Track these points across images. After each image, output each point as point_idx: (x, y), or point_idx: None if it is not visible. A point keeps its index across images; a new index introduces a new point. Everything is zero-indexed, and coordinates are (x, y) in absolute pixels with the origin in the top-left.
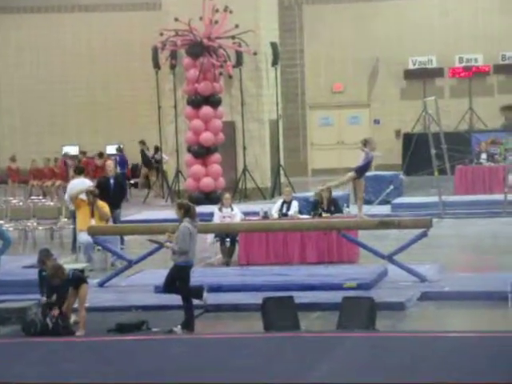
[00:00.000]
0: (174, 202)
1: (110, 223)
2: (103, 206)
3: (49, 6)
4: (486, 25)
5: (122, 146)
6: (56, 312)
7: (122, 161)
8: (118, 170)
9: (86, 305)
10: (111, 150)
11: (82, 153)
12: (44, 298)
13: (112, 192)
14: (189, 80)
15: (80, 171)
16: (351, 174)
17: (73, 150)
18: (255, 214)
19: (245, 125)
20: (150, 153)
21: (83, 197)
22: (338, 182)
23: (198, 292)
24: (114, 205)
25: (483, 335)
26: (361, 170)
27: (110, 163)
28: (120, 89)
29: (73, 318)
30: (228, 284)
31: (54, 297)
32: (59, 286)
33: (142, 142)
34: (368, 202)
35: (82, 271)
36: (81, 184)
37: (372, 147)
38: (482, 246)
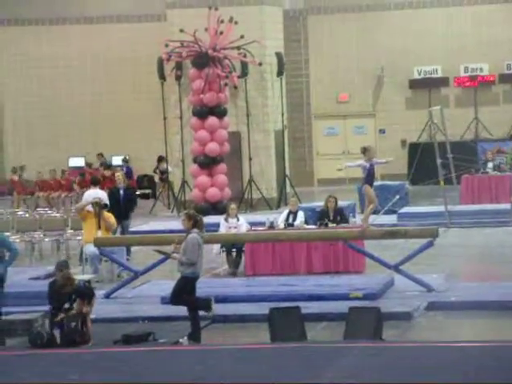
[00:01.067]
0: (181, 212)
1: (118, 234)
2: (109, 216)
3: (53, 19)
4: (491, 34)
5: (127, 157)
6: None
7: (128, 172)
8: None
9: (93, 316)
10: (117, 161)
11: (88, 165)
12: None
13: (122, 203)
14: (194, 91)
15: (95, 182)
16: (369, 190)
17: (79, 162)
18: (261, 224)
19: (250, 135)
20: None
21: (90, 208)
22: (369, 210)
23: (205, 303)
24: (124, 216)
25: (490, 345)
26: (369, 182)
27: (119, 174)
28: (125, 100)
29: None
30: (234, 295)
31: (67, 304)
32: (68, 294)
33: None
34: (374, 212)
35: (88, 282)
36: (95, 195)
37: (370, 155)
38: (488, 256)
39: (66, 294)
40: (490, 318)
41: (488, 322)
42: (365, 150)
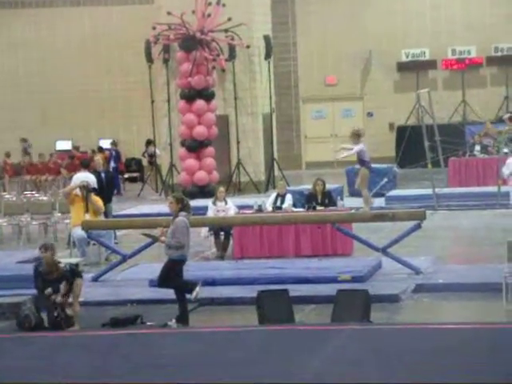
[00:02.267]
0: (168, 195)
1: (102, 217)
2: (97, 200)
3: (40, 1)
4: (479, 16)
5: (116, 140)
6: (58, 299)
7: (116, 155)
8: (113, 164)
9: (81, 299)
10: (105, 144)
11: (75, 148)
12: (39, 291)
13: (104, 186)
14: (182, 74)
15: (85, 165)
16: (366, 172)
17: (66, 145)
18: (249, 207)
19: (238, 118)
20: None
21: (77, 192)
22: (363, 188)
23: (192, 287)
24: (106, 199)
25: (478, 327)
26: (368, 163)
27: (98, 158)
28: (113, 83)
29: (67, 313)
30: (222, 278)
31: (50, 290)
32: (54, 280)
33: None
34: (361, 195)
35: (76, 266)
36: (85, 178)
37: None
38: (475, 238)
39: (52, 280)
40: (478, 299)
41: (475, 304)
42: (360, 134)
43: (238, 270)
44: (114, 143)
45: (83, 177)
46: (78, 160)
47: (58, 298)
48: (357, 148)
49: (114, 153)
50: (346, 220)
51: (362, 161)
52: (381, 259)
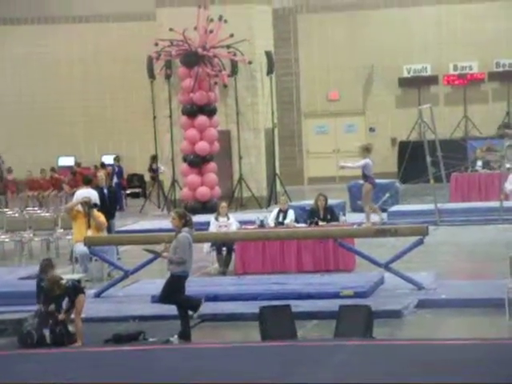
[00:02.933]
0: (171, 211)
1: (105, 233)
2: (99, 215)
3: (41, 17)
4: (480, 32)
5: (119, 157)
6: (60, 317)
7: (119, 171)
8: (115, 180)
9: (83, 315)
10: (107, 160)
11: (77, 164)
12: (41, 308)
13: (106, 202)
14: (184, 90)
15: (87, 182)
16: (369, 187)
17: (69, 161)
18: (251, 222)
19: (240, 134)
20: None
21: (79, 208)
22: (365, 203)
23: (195, 303)
24: (108, 215)
25: (480, 343)
26: (372, 179)
27: (101, 174)
28: (115, 99)
29: (69, 329)
30: (225, 293)
31: (53, 306)
32: (57, 296)
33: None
34: (363, 211)
35: (78, 282)
36: (87, 194)
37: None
38: (478, 254)
39: (54, 296)
40: (480, 315)
41: (478, 320)
42: (369, 149)
43: (240, 286)
44: (116, 159)
45: (85, 193)
46: (81, 176)
47: (61, 315)
48: (362, 162)
49: (116, 168)
50: (349, 235)
51: (365, 176)
52: (383, 275)
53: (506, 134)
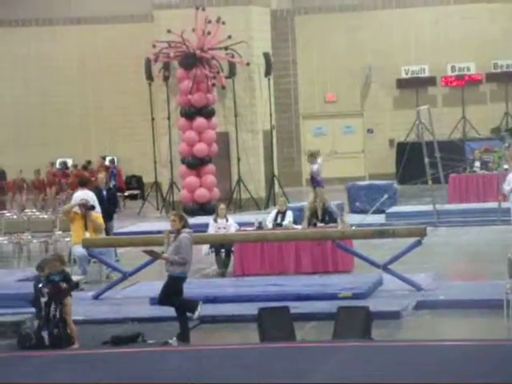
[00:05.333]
0: (169, 213)
1: (103, 235)
2: (97, 217)
3: (40, 19)
4: (478, 33)
5: (113, 158)
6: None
7: (112, 173)
8: (112, 182)
9: (81, 318)
10: (106, 162)
11: (74, 166)
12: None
13: (105, 204)
14: (182, 91)
15: (83, 183)
16: (321, 190)
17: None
18: (250, 224)
19: (238, 135)
20: None
21: (77, 210)
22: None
23: (193, 305)
24: (107, 216)
25: (479, 343)
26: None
27: (101, 176)
28: (113, 101)
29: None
30: (223, 295)
31: (57, 277)
32: (60, 272)
33: None
34: (362, 211)
35: (77, 284)
36: (84, 196)
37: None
38: (476, 254)
39: (57, 272)
40: (479, 316)
41: (476, 321)
42: (318, 155)
43: (239, 288)
44: (112, 161)
45: (83, 195)
46: (76, 178)
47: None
48: (314, 168)
49: (114, 171)
50: (347, 237)
51: (315, 180)
52: (381, 276)
53: (502, 136)
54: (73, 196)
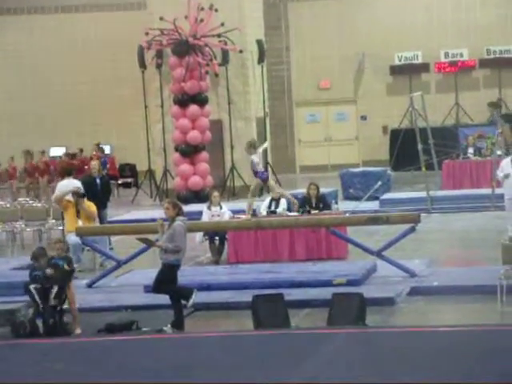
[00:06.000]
0: (163, 201)
1: (97, 223)
2: (89, 205)
3: (32, 7)
4: (470, 19)
5: (102, 147)
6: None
7: (105, 161)
8: (104, 171)
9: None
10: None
11: (66, 155)
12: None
13: (98, 192)
14: (175, 79)
15: (68, 172)
16: (257, 181)
17: (60, 151)
18: (244, 212)
19: (232, 123)
20: None
21: (70, 198)
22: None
23: (187, 293)
24: (101, 205)
25: (473, 329)
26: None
27: (94, 164)
28: (106, 89)
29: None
30: (217, 282)
31: (49, 270)
32: (59, 262)
33: None
34: (356, 198)
35: (72, 270)
36: (69, 185)
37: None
38: (470, 240)
39: (59, 256)
40: (473, 302)
41: (470, 307)
42: (252, 145)
43: (233, 275)
44: (101, 150)
45: (68, 183)
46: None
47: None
48: (254, 159)
49: (106, 160)
50: (341, 223)
51: (255, 172)
52: (376, 262)
53: (495, 120)
54: (57, 185)
